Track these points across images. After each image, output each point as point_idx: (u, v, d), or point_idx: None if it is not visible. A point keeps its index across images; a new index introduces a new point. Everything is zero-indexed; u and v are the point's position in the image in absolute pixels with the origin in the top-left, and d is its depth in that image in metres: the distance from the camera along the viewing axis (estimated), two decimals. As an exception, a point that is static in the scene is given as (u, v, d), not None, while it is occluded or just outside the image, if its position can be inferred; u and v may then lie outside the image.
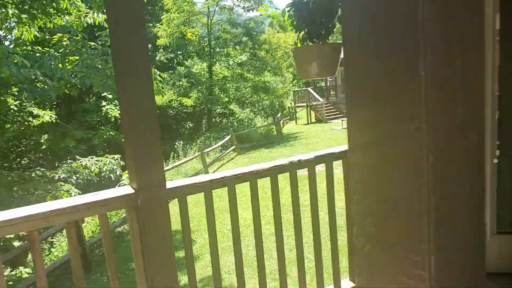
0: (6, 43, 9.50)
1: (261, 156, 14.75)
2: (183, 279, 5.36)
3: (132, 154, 1.48)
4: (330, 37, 2.13)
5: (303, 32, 2.11)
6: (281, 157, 13.59)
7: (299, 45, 2.15)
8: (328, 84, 26.67)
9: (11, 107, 6.68)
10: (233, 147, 15.83)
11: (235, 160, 14.76)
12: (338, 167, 2.45)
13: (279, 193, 2.17)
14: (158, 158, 1.55)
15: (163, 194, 1.58)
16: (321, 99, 23.28)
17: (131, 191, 1.54)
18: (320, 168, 2.36)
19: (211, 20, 21.48)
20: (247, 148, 16.57)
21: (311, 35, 2.09)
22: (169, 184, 1.65)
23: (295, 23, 2.09)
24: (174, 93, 19.57)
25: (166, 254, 1.61)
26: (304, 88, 27.01)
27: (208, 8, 21.41)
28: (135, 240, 1.58)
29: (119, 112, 11.14)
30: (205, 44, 21.50)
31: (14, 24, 7.41)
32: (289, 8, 2.10)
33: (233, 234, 1.97)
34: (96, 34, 6.62)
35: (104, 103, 12.91)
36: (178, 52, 21.36)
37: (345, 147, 2.45)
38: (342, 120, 19.28)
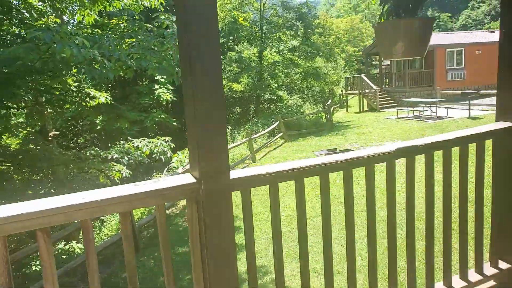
0: (69, 27, 9.90)
1: (309, 144, 14.39)
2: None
3: (198, 138, 1.31)
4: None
5: (386, 6, 1.81)
6: (331, 146, 13.16)
7: (382, 21, 1.86)
8: (383, 72, 25.41)
9: (71, 87, 6.92)
10: (281, 134, 15.59)
11: (282, 147, 14.54)
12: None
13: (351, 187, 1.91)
14: (223, 144, 1.36)
15: (227, 185, 1.40)
16: (374, 87, 22.25)
17: (193, 180, 1.37)
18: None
19: (264, 4, 21.12)
20: (295, 136, 16.26)
21: (398, 8, 1.78)
22: (233, 174, 1.47)
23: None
24: (224, 78, 19.63)
25: (227, 248, 1.44)
26: (356, 75, 25.95)
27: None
28: (193, 231, 1.42)
29: (171, 95, 11.23)
30: (257, 29, 21.22)
31: (76, 8, 7.63)
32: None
33: (299, 233, 1.75)
34: (153, 16, 6.60)
35: (156, 87, 13.18)
36: (230, 37, 21.30)
37: (425, 139, 2.11)
38: (397, 109, 18.29)
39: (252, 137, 12.92)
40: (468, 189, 2.25)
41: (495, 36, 24.98)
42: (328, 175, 1.74)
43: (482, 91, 18.14)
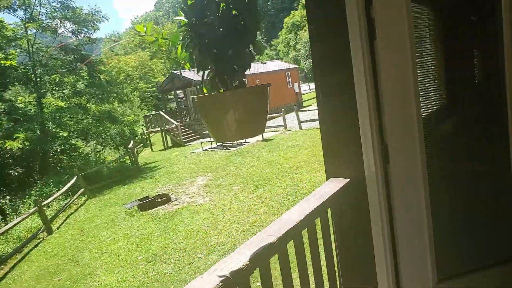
0: None
1: (118, 195, 12.88)
2: None
3: None
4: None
5: (207, 72, 1.27)
6: (143, 193, 12.09)
7: (205, 90, 1.30)
8: (181, 106, 25.91)
9: None
10: (82, 190, 13.45)
11: (86, 206, 12.47)
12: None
13: None
14: None
15: None
16: (175, 122, 22.34)
17: None
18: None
19: (32, 45, 18.02)
20: (99, 189, 14.34)
21: (221, 75, 1.26)
22: None
23: (195, 57, 1.23)
24: (-10, 135, 15.53)
25: None
26: (155, 112, 25.59)
27: (26, 31, 17.93)
28: None
29: None
30: (30, 72, 17.84)
31: None
32: (184, 35, 1.23)
33: None
34: None
35: None
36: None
37: (275, 229, 1.66)
38: (201, 142, 18.75)
39: (42, 204, 10.49)
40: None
41: (267, 67, 29.40)
42: None
43: (268, 115, 20.76)
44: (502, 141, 2.12)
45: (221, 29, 1.25)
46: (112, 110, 20.94)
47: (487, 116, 2.22)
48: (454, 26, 2.18)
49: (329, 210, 2.03)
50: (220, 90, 1.30)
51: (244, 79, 1.29)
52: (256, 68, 29.31)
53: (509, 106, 2.01)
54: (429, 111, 2.13)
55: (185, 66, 1.29)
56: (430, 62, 2.15)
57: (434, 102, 2.15)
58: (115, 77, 24.74)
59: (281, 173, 10.81)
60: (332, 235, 2.11)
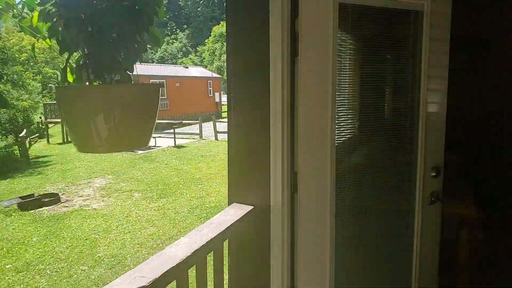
0: None
1: (-5, 190, 11.09)
2: None
3: None
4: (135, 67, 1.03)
5: (77, 56, 0.93)
6: (28, 190, 10.52)
7: (70, 79, 0.95)
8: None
9: None
10: None
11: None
12: None
13: None
14: None
15: None
16: (79, 115, 20.36)
17: None
18: None
19: None
20: (-28, 180, 12.22)
21: (96, 62, 0.93)
22: None
23: (60, 29, 0.88)
24: None
25: None
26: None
27: None
28: None
29: None
30: None
31: None
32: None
33: None
34: None
35: None
36: None
37: (150, 270, 1.34)
38: (106, 140, 17.31)
39: None
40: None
41: (189, 72, 28.76)
42: None
43: (185, 121, 20.15)
44: (410, 176, 2.12)
45: (104, 5, 0.93)
46: (4, 92, 18.29)
47: (398, 149, 2.21)
48: (373, 59, 2.14)
49: (226, 242, 1.78)
50: (95, 83, 0.97)
51: (129, 73, 0.98)
52: (177, 71, 28.54)
53: (420, 139, 2.00)
54: (341, 139, 2.04)
55: (44, 43, 0.94)
56: (347, 91, 2.07)
57: (347, 131, 2.07)
58: (13, 56, 21.88)
59: (189, 183, 10.37)
60: (226, 272, 1.86)
